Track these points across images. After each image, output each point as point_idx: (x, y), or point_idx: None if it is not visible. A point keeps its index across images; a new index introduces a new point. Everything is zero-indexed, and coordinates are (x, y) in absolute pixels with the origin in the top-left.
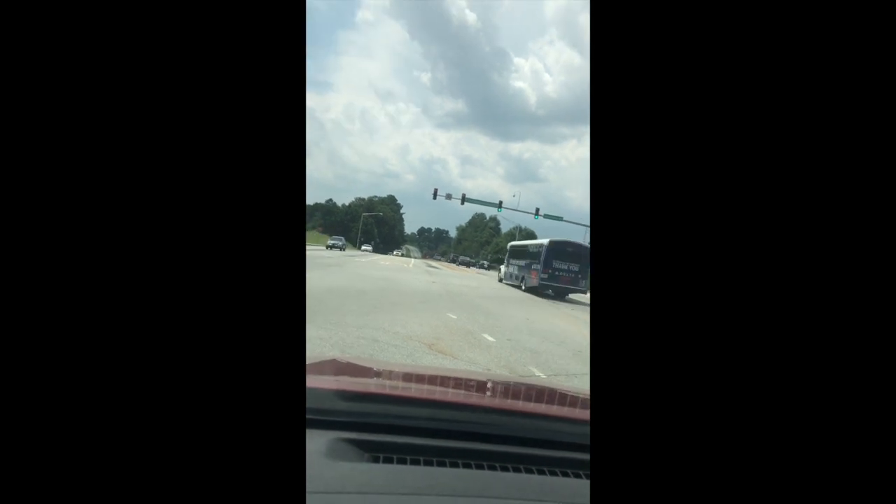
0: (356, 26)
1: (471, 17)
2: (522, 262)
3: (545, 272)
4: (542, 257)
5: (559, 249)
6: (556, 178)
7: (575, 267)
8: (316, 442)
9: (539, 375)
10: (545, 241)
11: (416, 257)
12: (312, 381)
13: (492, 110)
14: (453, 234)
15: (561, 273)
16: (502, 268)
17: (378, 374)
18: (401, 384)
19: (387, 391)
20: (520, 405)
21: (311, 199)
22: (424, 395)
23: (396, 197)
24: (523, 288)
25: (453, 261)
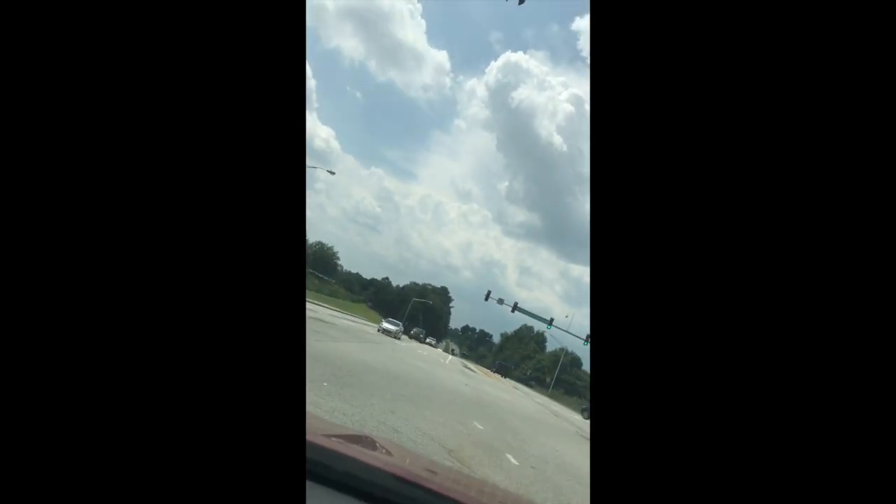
0: (450, 130)
1: (557, 139)
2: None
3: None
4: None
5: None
6: None
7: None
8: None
9: None
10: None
11: (454, 354)
12: (347, 448)
13: (561, 230)
14: (496, 339)
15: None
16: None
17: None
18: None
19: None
20: None
21: (368, 275)
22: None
23: (449, 289)
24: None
25: (496, 369)
